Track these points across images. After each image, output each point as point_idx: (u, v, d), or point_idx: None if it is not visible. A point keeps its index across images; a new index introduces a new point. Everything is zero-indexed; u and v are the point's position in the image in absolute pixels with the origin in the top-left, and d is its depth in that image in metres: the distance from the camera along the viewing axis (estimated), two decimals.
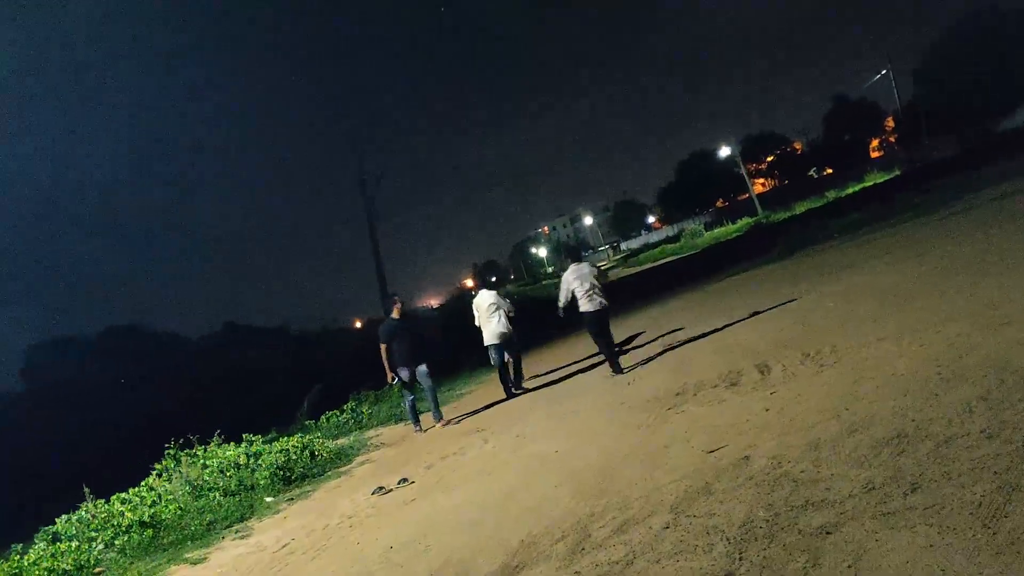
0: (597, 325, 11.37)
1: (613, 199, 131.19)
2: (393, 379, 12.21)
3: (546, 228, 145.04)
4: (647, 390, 9.54)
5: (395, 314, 12.35)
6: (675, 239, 70.45)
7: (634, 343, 14.44)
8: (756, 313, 12.70)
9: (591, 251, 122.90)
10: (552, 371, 14.65)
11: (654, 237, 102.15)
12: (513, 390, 13.22)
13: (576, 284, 11.31)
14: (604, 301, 11.36)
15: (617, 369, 11.31)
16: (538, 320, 21.81)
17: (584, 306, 11.28)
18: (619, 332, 15.44)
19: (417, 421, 12.68)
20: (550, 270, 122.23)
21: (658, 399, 8.81)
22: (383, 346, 12.09)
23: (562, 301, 11.47)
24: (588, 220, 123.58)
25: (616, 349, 12.10)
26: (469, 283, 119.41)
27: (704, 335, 12.17)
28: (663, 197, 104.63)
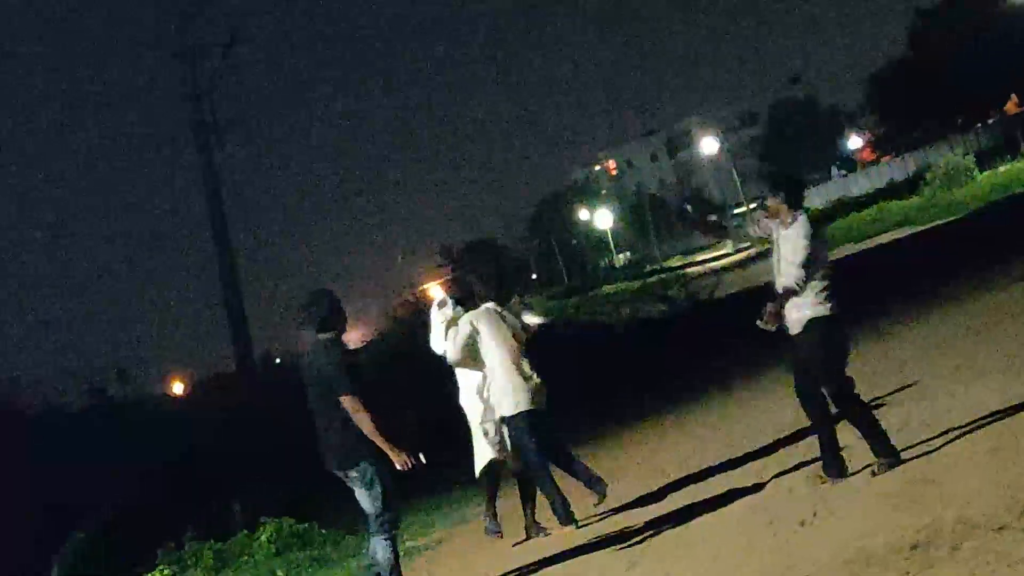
0: (838, 351, 10.78)
1: (768, 100, 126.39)
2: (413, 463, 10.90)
3: (611, 163, 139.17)
4: (845, 538, 9.04)
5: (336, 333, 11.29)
6: (908, 187, 69.63)
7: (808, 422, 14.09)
8: None
9: (728, 210, 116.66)
10: (640, 499, 14.32)
11: (860, 182, 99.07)
12: (547, 527, 13.11)
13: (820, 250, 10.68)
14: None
15: (891, 457, 10.61)
16: (599, 371, 21.67)
17: (814, 307, 10.61)
18: (782, 399, 15.70)
19: None
20: (621, 260, 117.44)
21: (873, 558, 8.25)
22: (349, 397, 10.77)
23: (798, 275, 10.56)
24: (709, 145, 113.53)
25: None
26: (435, 292, 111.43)
27: (979, 418, 11.63)
28: (881, 94, 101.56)
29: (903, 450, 11.40)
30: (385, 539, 10.90)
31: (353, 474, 10.81)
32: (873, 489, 10.53)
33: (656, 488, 14.38)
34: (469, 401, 13.11)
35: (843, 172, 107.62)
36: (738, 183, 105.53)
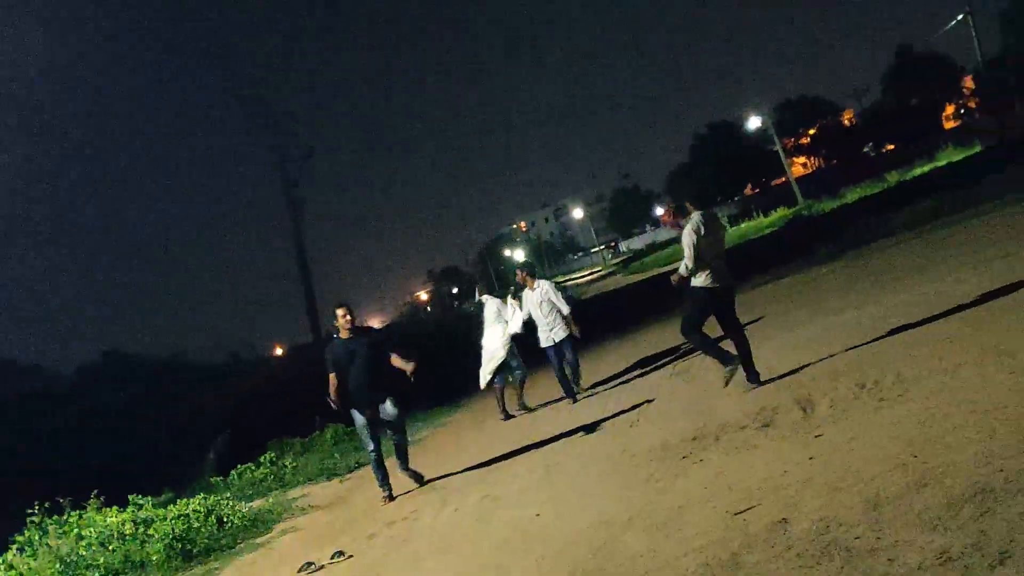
0: (697, 308, 10.01)
1: (610, 186, 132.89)
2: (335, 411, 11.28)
3: (523, 224, 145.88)
4: (655, 434, 9.52)
5: (343, 332, 11.11)
6: None
7: (637, 372, 14.56)
8: (794, 330, 12.74)
9: (581, 253, 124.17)
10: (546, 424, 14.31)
11: (663, 234, 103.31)
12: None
13: (706, 240, 9.87)
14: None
15: (732, 365, 9.98)
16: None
17: (706, 279, 9.84)
18: (620, 357, 15.37)
19: (386, 483, 11.38)
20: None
21: (670, 446, 8.77)
22: (331, 376, 10.93)
23: (691, 263, 9.78)
24: (578, 213, 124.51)
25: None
26: (423, 295, 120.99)
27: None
28: (674, 183, 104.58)
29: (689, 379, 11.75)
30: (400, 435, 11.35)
31: (376, 407, 10.97)
32: (672, 405, 10.85)
33: (553, 417, 14.03)
34: (492, 346, 14.15)
35: (653, 227, 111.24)
36: (594, 235, 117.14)
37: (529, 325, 14.02)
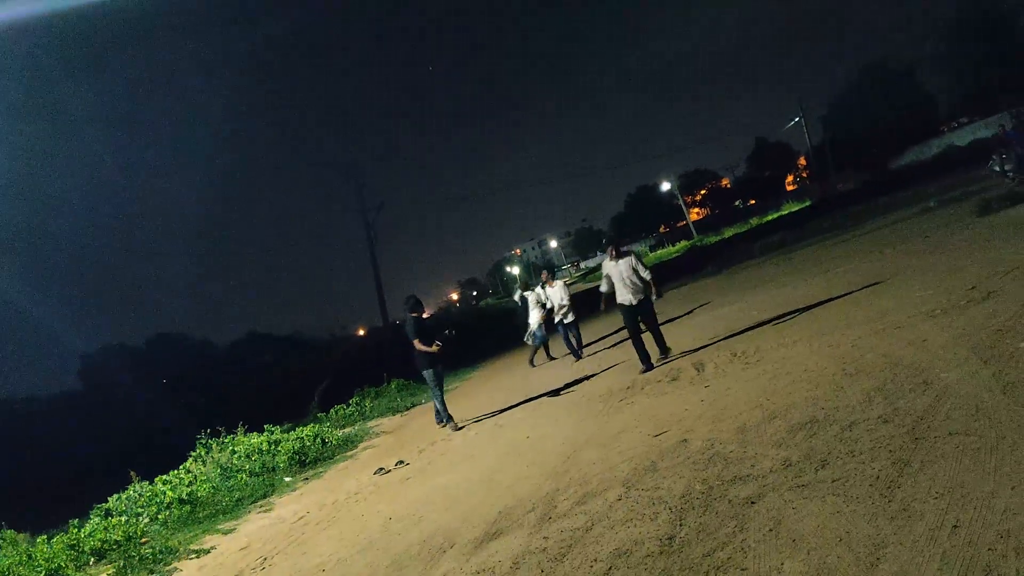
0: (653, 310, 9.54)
1: (574, 226, 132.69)
2: (437, 347, 10.29)
3: (518, 250, 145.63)
4: (603, 385, 9.46)
5: (419, 313, 10.70)
6: None
7: (596, 345, 14.40)
8: (692, 319, 12.68)
9: (557, 269, 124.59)
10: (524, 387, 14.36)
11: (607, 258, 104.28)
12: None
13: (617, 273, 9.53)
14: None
15: (666, 355, 9.61)
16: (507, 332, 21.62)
17: (645, 292, 9.40)
18: (585, 337, 15.39)
19: (450, 418, 10.76)
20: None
21: (612, 393, 8.71)
22: (416, 340, 10.27)
23: (649, 274, 9.40)
24: (553, 243, 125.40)
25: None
26: (455, 296, 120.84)
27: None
28: (615, 224, 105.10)
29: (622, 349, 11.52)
30: (437, 396, 10.60)
31: (424, 374, 10.42)
32: (613, 369, 10.73)
33: (544, 374, 14.14)
34: (534, 318, 14.13)
35: (602, 253, 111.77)
36: (564, 257, 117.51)
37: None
